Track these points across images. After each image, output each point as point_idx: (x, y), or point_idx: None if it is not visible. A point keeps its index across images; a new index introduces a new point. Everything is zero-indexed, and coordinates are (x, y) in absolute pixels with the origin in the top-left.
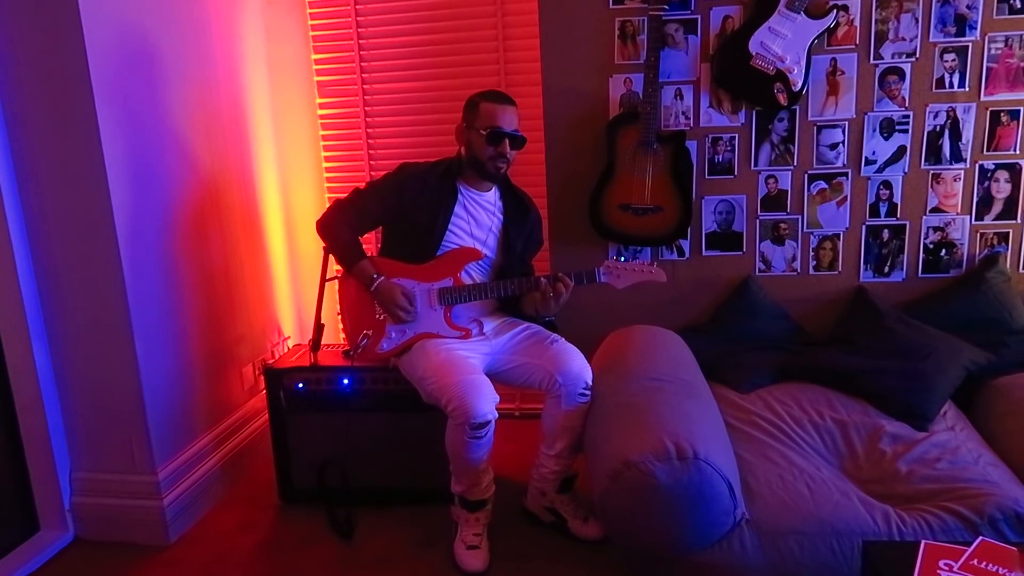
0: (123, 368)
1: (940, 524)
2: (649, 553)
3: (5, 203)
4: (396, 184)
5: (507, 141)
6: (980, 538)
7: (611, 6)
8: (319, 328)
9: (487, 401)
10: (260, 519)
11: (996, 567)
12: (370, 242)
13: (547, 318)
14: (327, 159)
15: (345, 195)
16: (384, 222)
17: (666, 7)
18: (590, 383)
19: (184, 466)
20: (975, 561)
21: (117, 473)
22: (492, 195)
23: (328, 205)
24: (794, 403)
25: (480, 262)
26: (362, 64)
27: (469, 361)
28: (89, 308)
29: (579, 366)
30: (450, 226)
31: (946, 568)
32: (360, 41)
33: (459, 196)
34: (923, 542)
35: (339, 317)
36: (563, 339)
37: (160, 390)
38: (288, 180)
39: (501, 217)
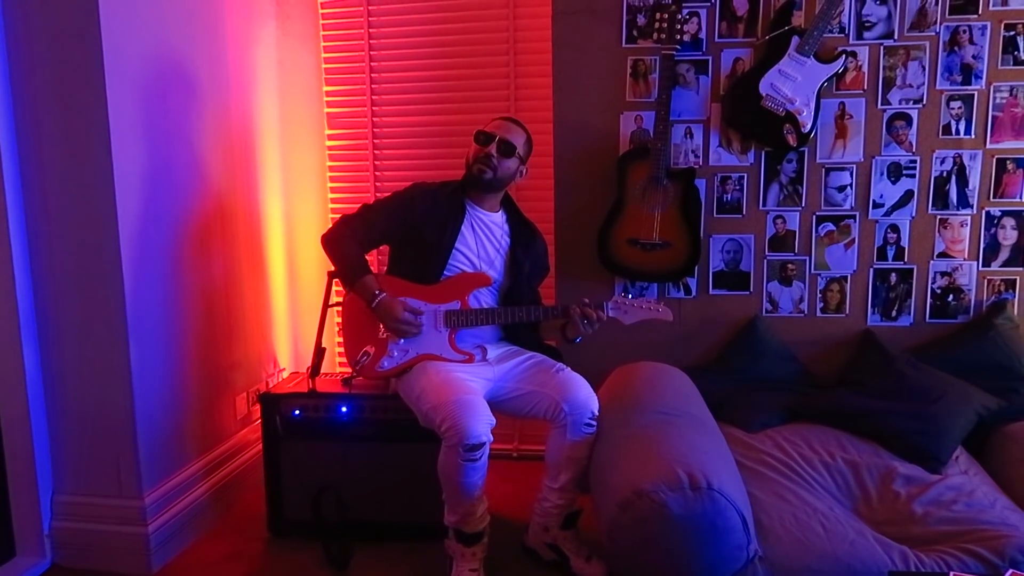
0: (116, 387)
1: (960, 565)
2: None
3: (8, 212)
4: (406, 199)
5: (494, 145)
6: (1010, 571)
7: (624, 45)
8: (319, 353)
9: (481, 422)
10: (248, 551)
11: None
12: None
13: (576, 340)
14: (333, 190)
15: (352, 211)
16: (391, 238)
17: (678, 47)
18: (596, 413)
19: (172, 493)
20: None
21: (101, 497)
22: (499, 217)
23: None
24: (804, 443)
25: (488, 287)
26: (373, 97)
27: (467, 383)
28: (86, 323)
29: (585, 395)
30: (456, 244)
31: None
32: (372, 75)
33: (467, 215)
34: (951, 574)
35: (339, 342)
36: (568, 368)
37: (152, 412)
38: (293, 209)
39: (508, 240)
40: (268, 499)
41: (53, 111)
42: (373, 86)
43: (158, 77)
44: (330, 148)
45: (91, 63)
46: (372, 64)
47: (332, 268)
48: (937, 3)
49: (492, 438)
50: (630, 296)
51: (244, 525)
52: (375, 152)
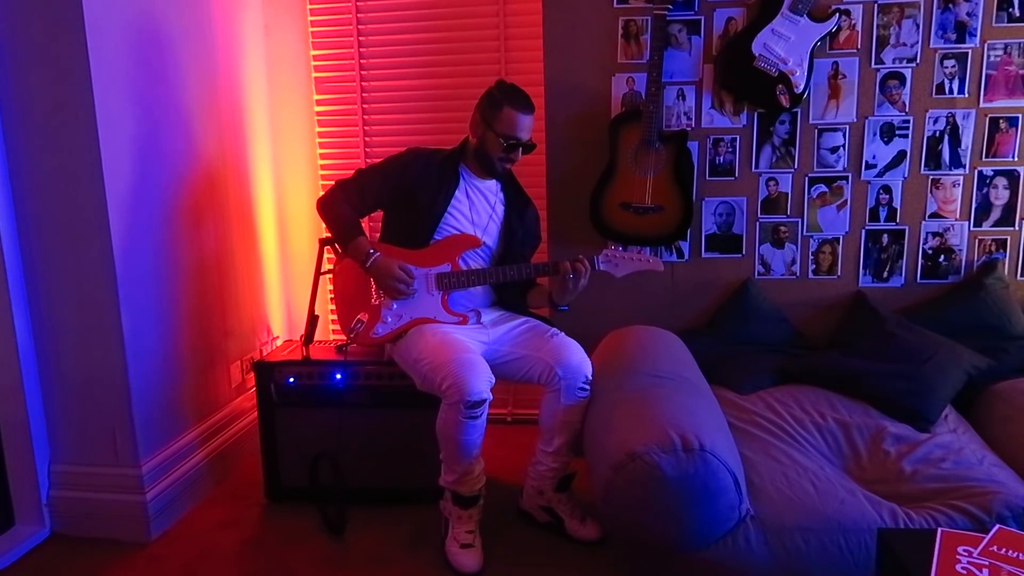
0: (109, 357)
1: (948, 521)
2: (651, 551)
3: None
4: (400, 164)
5: (521, 149)
6: (997, 526)
7: (615, 5)
8: (312, 320)
9: (482, 379)
10: (246, 517)
11: (1016, 553)
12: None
13: (561, 308)
14: (323, 156)
15: (346, 175)
16: (385, 203)
17: (670, 7)
18: (590, 377)
19: (168, 461)
20: (994, 548)
21: (98, 466)
22: (493, 184)
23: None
24: (795, 404)
25: (480, 251)
26: (361, 61)
27: (465, 342)
28: (77, 293)
29: (579, 359)
30: (449, 209)
31: (965, 554)
32: (360, 38)
33: (461, 181)
34: (940, 529)
35: (332, 309)
36: (563, 333)
37: (146, 381)
38: (282, 176)
39: (503, 207)
40: (264, 466)
41: (36, 81)
42: (361, 49)
43: (143, 44)
44: (319, 113)
45: (73, 30)
46: (360, 27)
47: (324, 235)
48: None
49: (492, 396)
50: (620, 249)
51: (241, 491)
52: (364, 117)
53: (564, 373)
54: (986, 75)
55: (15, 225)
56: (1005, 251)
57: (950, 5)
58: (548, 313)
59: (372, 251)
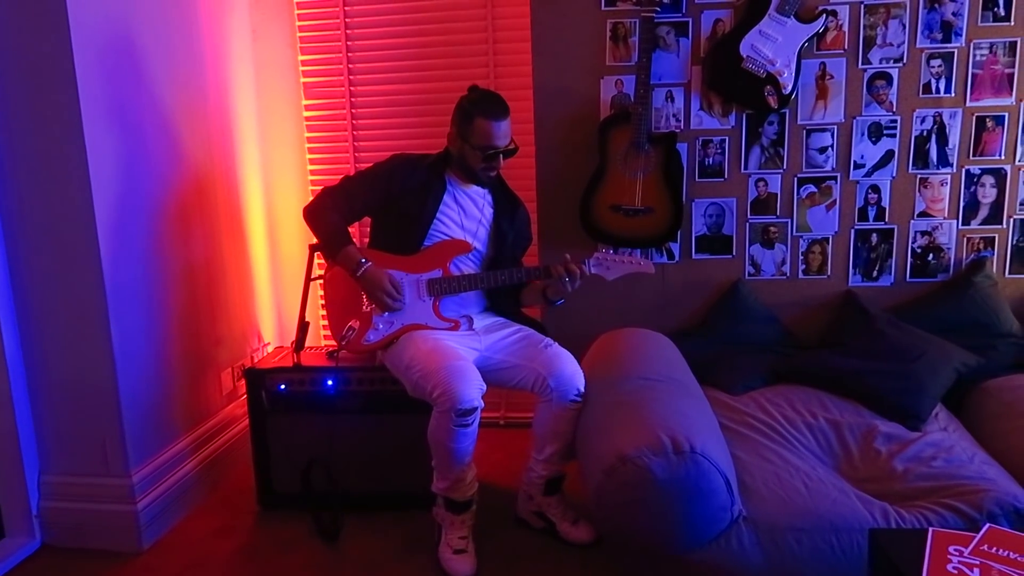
0: (99, 365)
1: (939, 520)
2: (644, 553)
3: None
4: (386, 171)
5: (501, 155)
6: (988, 525)
7: (603, 8)
8: (303, 327)
9: (473, 387)
10: (238, 525)
11: (1006, 552)
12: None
13: (558, 302)
14: (312, 161)
15: (334, 183)
16: (372, 210)
17: (658, 9)
18: (582, 389)
19: (159, 470)
20: (985, 546)
21: (89, 476)
22: (480, 189)
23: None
24: (787, 404)
25: (471, 256)
26: (350, 66)
27: (457, 349)
28: (65, 302)
29: (572, 371)
30: (438, 215)
31: (956, 554)
32: (348, 43)
33: (448, 187)
34: (931, 529)
35: (323, 316)
36: (556, 343)
37: (136, 390)
38: (272, 183)
39: (492, 210)
40: (256, 473)
41: (21, 87)
42: (350, 54)
43: (129, 50)
44: (308, 119)
45: (58, 36)
46: (348, 32)
47: (313, 241)
48: None
49: (483, 404)
50: (611, 252)
51: (233, 499)
52: (353, 122)
53: (556, 384)
54: (972, 74)
55: (1, 233)
56: (993, 249)
57: (936, 5)
58: (542, 312)
59: (363, 260)
